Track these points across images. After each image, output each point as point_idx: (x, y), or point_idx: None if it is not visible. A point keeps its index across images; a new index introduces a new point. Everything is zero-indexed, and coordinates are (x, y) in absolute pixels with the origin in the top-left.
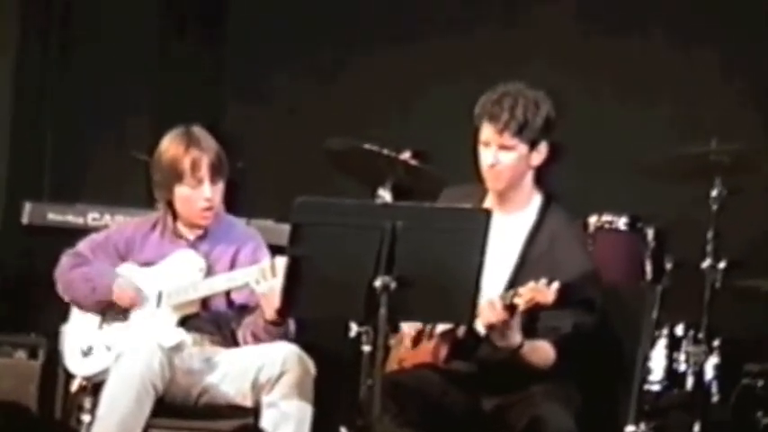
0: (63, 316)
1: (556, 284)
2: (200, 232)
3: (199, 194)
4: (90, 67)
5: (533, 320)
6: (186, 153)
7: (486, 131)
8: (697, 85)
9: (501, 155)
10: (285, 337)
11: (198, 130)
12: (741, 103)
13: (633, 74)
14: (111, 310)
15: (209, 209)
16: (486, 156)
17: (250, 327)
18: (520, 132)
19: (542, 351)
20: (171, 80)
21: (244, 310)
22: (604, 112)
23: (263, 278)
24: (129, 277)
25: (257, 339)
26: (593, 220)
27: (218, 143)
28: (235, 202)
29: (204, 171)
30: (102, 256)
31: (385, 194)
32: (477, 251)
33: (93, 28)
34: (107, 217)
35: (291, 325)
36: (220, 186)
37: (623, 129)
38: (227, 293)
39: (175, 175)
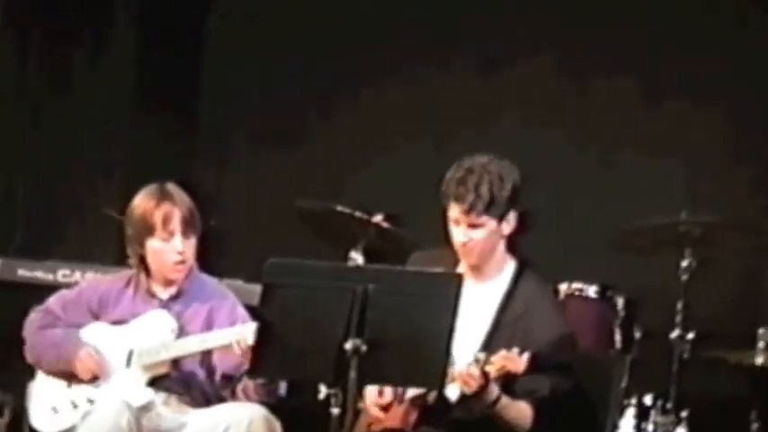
0: (30, 373)
1: (527, 354)
2: (173, 291)
3: (171, 248)
4: (63, 126)
5: (511, 383)
6: (157, 207)
7: (454, 212)
8: (667, 157)
9: (472, 233)
10: (274, 397)
11: (171, 186)
12: (710, 177)
13: (604, 144)
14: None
15: (181, 262)
16: (458, 234)
17: (241, 390)
18: (487, 210)
19: (521, 409)
20: (143, 141)
21: (229, 380)
22: (575, 182)
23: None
24: (95, 346)
25: (249, 400)
26: (563, 287)
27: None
28: (206, 262)
29: (176, 224)
30: (73, 313)
31: (357, 257)
32: (449, 316)
33: (66, 87)
34: (77, 274)
35: (282, 386)
36: (193, 241)
37: (594, 198)
38: (209, 358)
39: (147, 229)
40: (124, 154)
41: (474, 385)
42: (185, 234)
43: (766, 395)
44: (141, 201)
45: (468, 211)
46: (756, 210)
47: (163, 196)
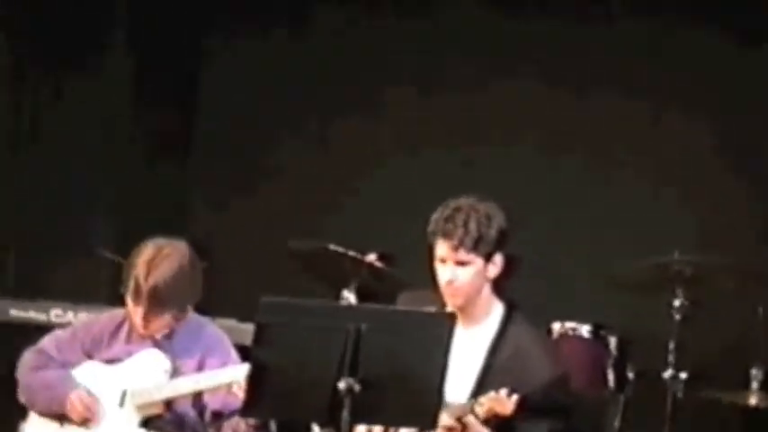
0: (23, 413)
1: (515, 396)
2: (167, 331)
3: (135, 313)
4: (56, 165)
5: (511, 429)
6: (135, 269)
7: (442, 248)
8: (661, 198)
9: (458, 271)
10: None
11: (163, 255)
12: (704, 218)
13: (597, 181)
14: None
15: (145, 328)
16: (444, 272)
17: (232, 427)
18: (475, 247)
19: None
20: (137, 181)
21: (218, 417)
22: (569, 222)
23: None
24: (87, 387)
25: None
26: (556, 326)
27: (178, 270)
28: (199, 301)
29: (142, 300)
30: (67, 353)
31: (349, 296)
32: (441, 355)
33: (57, 126)
34: (70, 314)
35: (273, 426)
36: (161, 317)
37: (589, 238)
38: (200, 397)
39: (125, 282)
40: (119, 195)
41: None
42: (147, 314)
43: None
44: (136, 253)
45: (456, 247)
46: (749, 250)
47: (148, 265)
